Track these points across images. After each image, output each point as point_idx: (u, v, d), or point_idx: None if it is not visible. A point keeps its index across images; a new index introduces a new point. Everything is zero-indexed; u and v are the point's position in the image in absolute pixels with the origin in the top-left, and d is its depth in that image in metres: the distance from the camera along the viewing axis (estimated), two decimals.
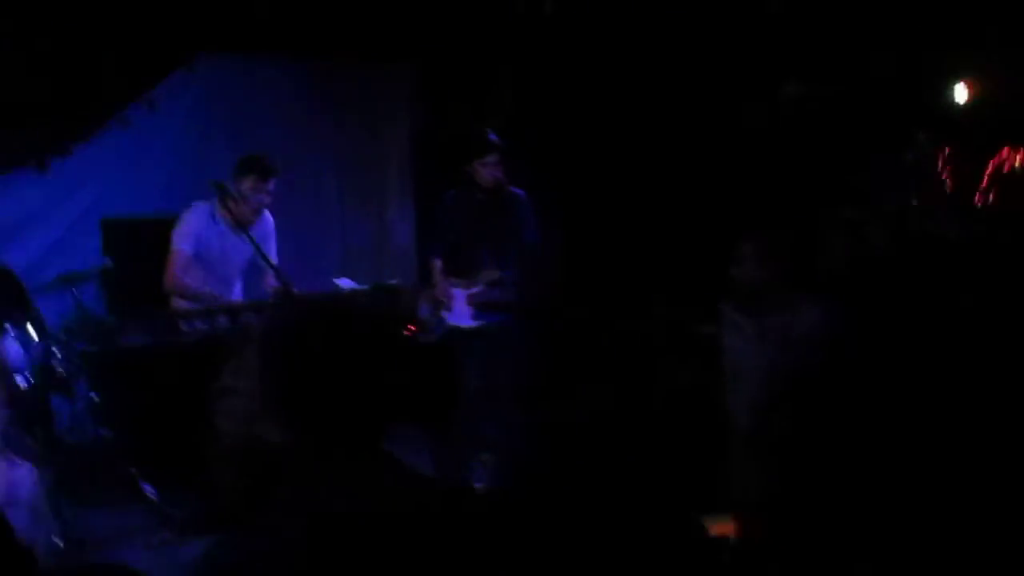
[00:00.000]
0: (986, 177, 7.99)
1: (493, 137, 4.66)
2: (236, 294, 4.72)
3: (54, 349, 4.34)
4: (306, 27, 6.22)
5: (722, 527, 2.90)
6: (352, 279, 5.43)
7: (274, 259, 4.68)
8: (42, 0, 5.40)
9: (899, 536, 2.65)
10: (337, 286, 4.38)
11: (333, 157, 6.86)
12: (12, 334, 4.26)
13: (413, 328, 5.73)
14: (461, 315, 4.62)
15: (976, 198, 7.86)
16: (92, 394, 4.82)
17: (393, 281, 4.58)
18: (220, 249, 4.50)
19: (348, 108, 6.75)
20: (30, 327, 4.28)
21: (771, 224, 3.89)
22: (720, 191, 5.37)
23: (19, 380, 4.26)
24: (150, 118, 5.97)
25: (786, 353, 3.23)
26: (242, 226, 4.26)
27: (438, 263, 4.80)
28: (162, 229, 5.89)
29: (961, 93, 7.72)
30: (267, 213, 4.87)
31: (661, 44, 5.68)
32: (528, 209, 4.65)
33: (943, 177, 8.14)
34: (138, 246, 5.49)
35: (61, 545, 3.86)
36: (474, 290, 4.57)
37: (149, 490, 4.20)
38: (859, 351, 3.06)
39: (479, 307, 4.56)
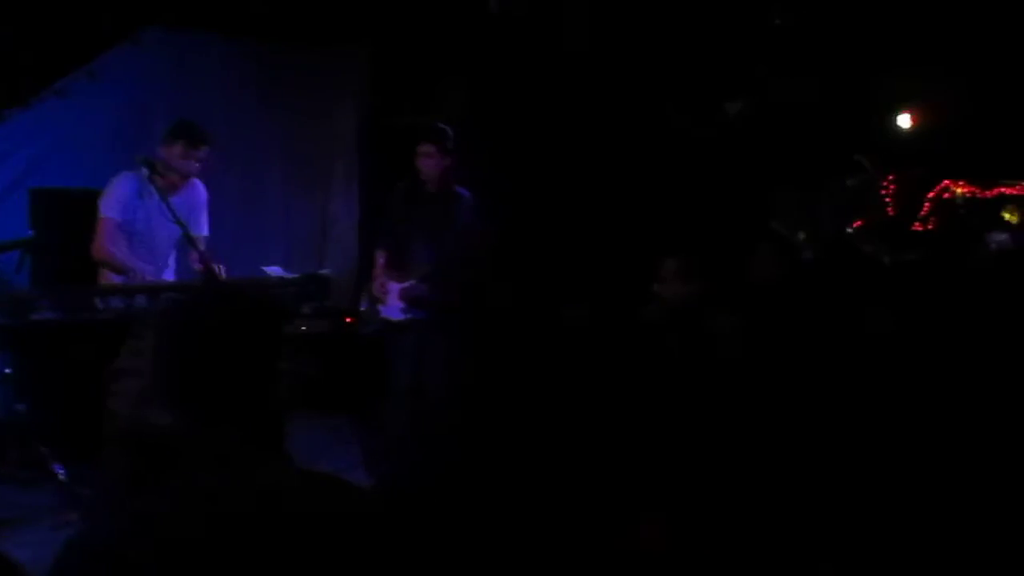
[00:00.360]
0: (926, 204, 8.19)
1: (437, 127, 4.64)
2: (168, 272, 4.61)
3: None
4: (257, 7, 6.15)
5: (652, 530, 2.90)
6: (292, 268, 5.37)
7: (205, 231, 4.63)
8: None
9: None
10: (265, 273, 4.31)
11: (279, 142, 6.76)
12: None
13: (350, 320, 5.67)
14: (393, 309, 4.58)
15: (915, 225, 8.04)
16: (6, 369, 4.69)
17: (325, 271, 4.52)
18: (146, 222, 4.37)
19: (296, 93, 6.67)
20: None
21: (698, 238, 3.96)
22: (658, 197, 5.41)
23: None
24: (90, 90, 5.83)
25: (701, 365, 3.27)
26: (168, 193, 4.17)
27: (380, 256, 4.76)
28: (93, 202, 5.79)
29: (905, 121, 7.90)
30: (199, 183, 4.74)
31: (615, 46, 5.69)
32: (468, 208, 4.63)
33: (885, 202, 8.32)
34: (68, 219, 5.35)
35: None
36: (406, 284, 4.54)
37: (59, 469, 4.09)
38: (761, 363, 3.12)
39: (409, 301, 4.52)
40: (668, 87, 5.52)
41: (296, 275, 4.17)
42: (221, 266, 4.15)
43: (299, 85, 6.67)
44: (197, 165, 4.49)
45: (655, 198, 5.40)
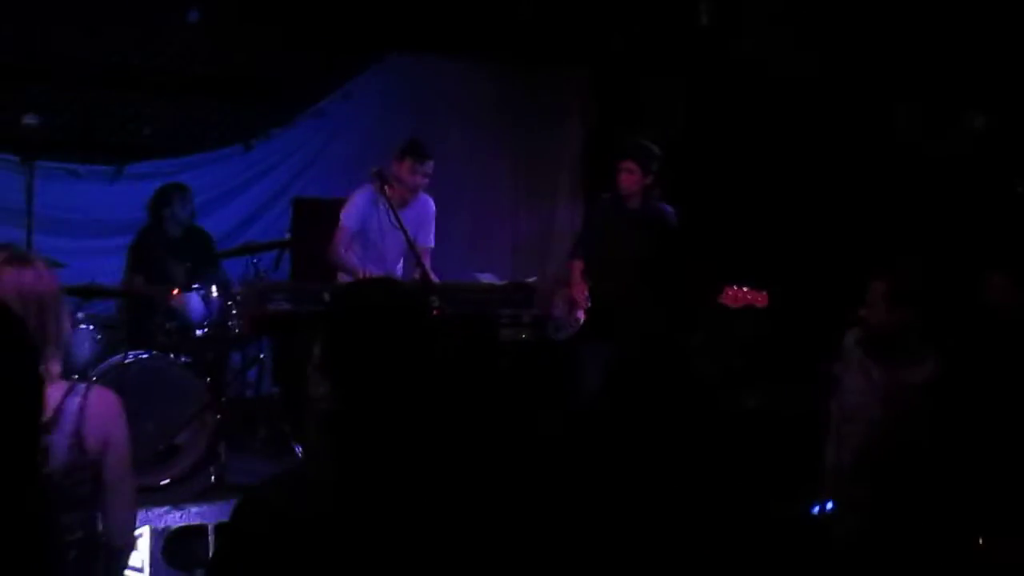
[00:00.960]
0: None
1: (640, 144, 4.79)
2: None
3: (233, 309, 4.85)
4: (490, 30, 6.56)
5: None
6: (518, 275, 5.67)
7: (431, 243, 4.97)
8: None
9: None
10: (477, 279, 4.63)
11: (509, 157, 7.16)
12: (200, 292, 4.83)
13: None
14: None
15: None
16: (262, 354, 5.34)
17: (530, 279, 4.78)
18: (379, 230, 4.78)
19: (526, 111, 7.02)
20: (214, 288, 4.83)
21: (906, 263, 3.76)
22: (879, 215, 5.20)
23: (198, 332, 4.82)
24: (343, 109, 6.51)
25: (901, 403, 3.14)
26: (399, 206, 4.57)
27: (577, 264, 4.95)
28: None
29: None
30: (427, 197, 5.09)
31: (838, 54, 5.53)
32: (668, 226, 4.75)
33: None
34: (322, 224, 6.01)
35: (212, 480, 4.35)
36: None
37: (297, 448, 4.63)
38: (968, 407, 2.93)
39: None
40: (898, 94, 5.27)
41: (504, 282, 4.46)
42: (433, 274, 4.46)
43: (529, 104, 7.03)
44: (424, 180, 4.85)
45: (875, 216, 5.20)
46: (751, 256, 5.44)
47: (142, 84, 6.00)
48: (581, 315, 4.81)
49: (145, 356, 4.59)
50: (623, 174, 4.76)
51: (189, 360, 4.69)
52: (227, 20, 6.04)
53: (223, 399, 4.66)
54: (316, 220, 6.12)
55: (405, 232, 4.39)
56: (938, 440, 2.97)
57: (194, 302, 4.74)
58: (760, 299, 4.52)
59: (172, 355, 4.64)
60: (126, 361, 4.53)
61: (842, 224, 5.39)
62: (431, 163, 4.88)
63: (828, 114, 5.57)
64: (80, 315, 4.83)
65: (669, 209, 4.87)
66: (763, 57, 5.53)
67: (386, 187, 4.60)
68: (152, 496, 3.93)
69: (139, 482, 4.10)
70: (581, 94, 7.05)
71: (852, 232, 5.28)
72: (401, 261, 5.07)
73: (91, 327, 4.81)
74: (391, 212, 4.48)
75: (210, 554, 3.64)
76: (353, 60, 6.53)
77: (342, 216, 4.89)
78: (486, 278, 4.58)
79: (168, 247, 5.34)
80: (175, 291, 4.72)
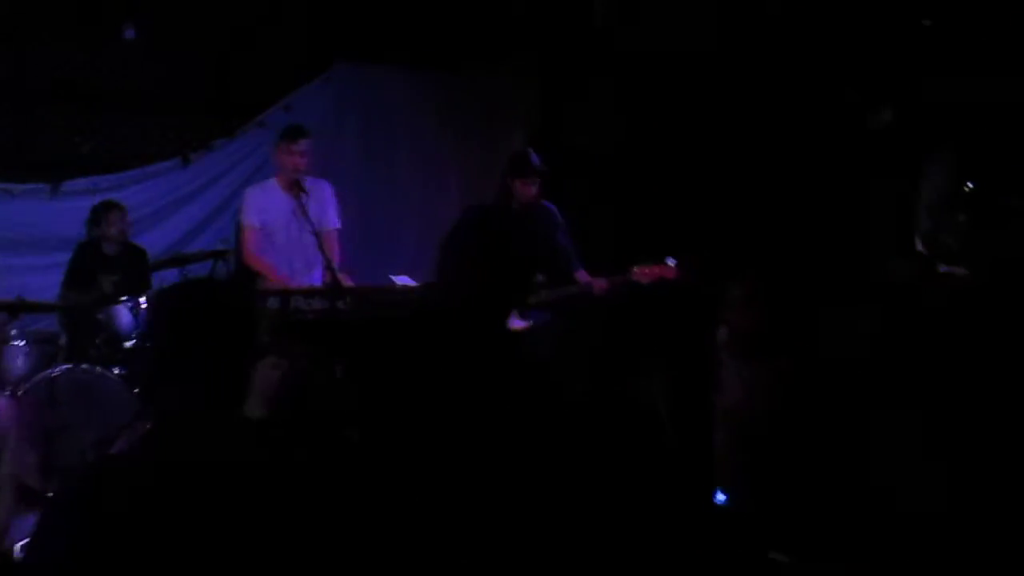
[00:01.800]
0: None
1: (535, 159, 4.88)
2: (317, 272, 4.86)
3: None
4: (432, 39, 6.60)
5: None
6: None
7: (334, 224, 4.97)
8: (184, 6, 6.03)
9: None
10: (392, 281, 4.64)
11: (457, 163, 7.16)
12: (128, 304, 4.84)
13: None
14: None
15: None
16: None
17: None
18: (281, 225, 4.74)
19: (471, 119, 7.03)
20: (142, 300, 4.84)
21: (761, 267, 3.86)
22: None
23: (127, 344, 4.82)
24: (285, 120, 6.51)
25: (764, 398, 3.21)
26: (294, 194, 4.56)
27: None
28: None
29: None
30: (323, 182, 5.11)
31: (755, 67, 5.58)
32: (556, 221, 4.87)
33: None
34: None
35: None
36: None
37: None
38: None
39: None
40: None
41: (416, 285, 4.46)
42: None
43: (474, 111, 7.03)
44: (301, 160, 4.80)
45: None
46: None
47: (80, 100, 6.02)
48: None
49: (75, 368, 4.60)
50: (527, 187, 4.86)
51: (123, 372, 4.70)
52: (166, 34, 6.08)
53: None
54: None
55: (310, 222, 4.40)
56: (791, 433, 3.04)
57: (123, 315, 4.75)
58: (669, 272, 4.59)
59: (103, 367, 4.65)
60: (54, 374, 4.54)
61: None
62: (304, 141, 4.84)
63: (726, 90, 5.61)
64: (13, 331, 4.85)
65: (552, 206, 5.01)
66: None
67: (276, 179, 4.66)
68: None
69: None
70: (527, 100, 7.07)
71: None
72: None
73: (23, 343, 4.82)
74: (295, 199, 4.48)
75: None
76: (297, 71, 6.55)
77: (241, 218, 4.89)
78: (401, 280, 4.58)
79: (102, 264, 5.35)
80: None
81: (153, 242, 5.83)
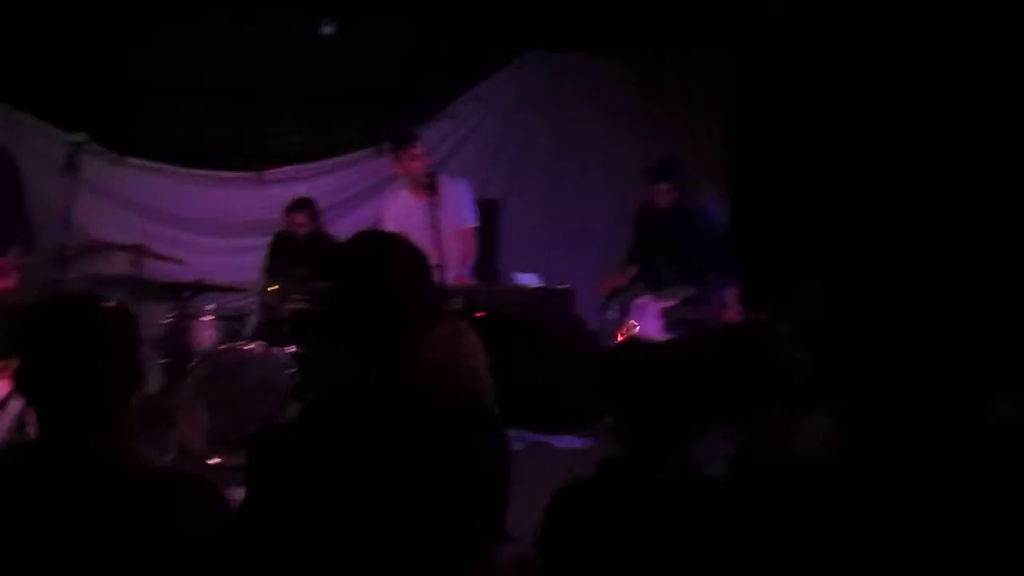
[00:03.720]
0: None
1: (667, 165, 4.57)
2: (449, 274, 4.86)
3: None
4: (624, 21, 6.39)
5: None
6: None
7: (470, 222, 5.03)
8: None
9: None
10: (515, 281, 4.54)
11: (654, 148, 6.87)
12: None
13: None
14: (651, 326, 4.50)
15: None
16: None
17: (564, 285, 4.62)
18: (417, 226, 4.64)
19: (666, 100, 6.72)
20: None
21: None
22: None
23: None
24: (476, 110, 6.62)
25: None
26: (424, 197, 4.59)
27: (631, 270, 4.74)
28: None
29: None
30: (457, 181, 5.12)
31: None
32: (705, 220, 4.49)
33: None
34: None
35: None
36: (668, 304, 4.44)
37: None
38: None
39: (672, 321, 4.40)
40: None
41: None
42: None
43: (669, 93, 6.72)
44: (418, 163, 4.84)
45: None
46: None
47: (287, 96, 6.48)
48: (642, 325, 4.57)
49: (244, 347, 4.94)
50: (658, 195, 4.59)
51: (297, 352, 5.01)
52: (361, 30, 6.39)
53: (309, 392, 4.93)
54: None
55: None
56: None
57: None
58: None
59: (278, 348, 4.97)
60: (220, 348, 4.89)
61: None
62: (419, 144, 4.92)
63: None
64: (210, 307, 5.31)
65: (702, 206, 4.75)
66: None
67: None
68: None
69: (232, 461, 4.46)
70: (725, 81, 6.66)
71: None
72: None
73: (212, 318, 5.26)
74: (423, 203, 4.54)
75: None
76: (486, 61, 6.62)
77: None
78: (525, 279, 4.48)
79: (294, 255, 5.73)
80: (271, 288, 5.04)
81: (347, 228, 6.14)
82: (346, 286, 2.03)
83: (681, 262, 4.50)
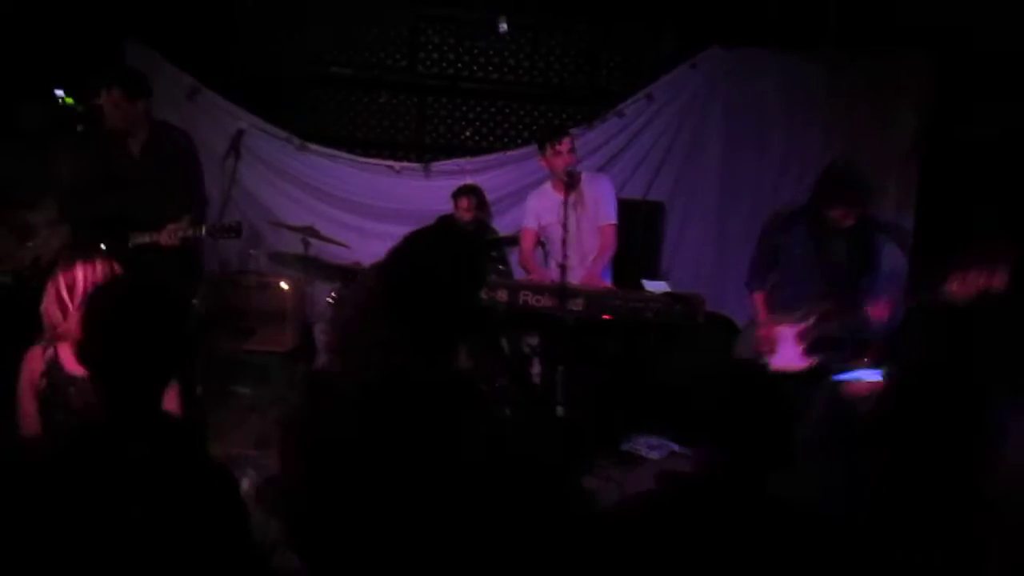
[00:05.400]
0: None
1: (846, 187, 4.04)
2: (580, 268, 4.86)
3: None
4: (809, 18, 6.05)
5: None
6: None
7: (610, 219, 4.96)
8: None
9: None
10: (643, 287, 4.36)
11: (835, 150, 6.47)
12: None
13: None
14: (790, 356, 4.02)
15: None
16: None
17: (693, 292, 4.35)
18: (559, 220, 4.64)
19: (851, 103, 6.30)
20: None
21: None
22: None
23: None
24: (645, 111, 6.48)
25: None
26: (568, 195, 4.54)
27: (759, 296, 4.27)
28: (639, 212, 6.46)
29: None
30: (602, 177, 5.04)
31: None
32: (881, 239, 3.98)
33: None
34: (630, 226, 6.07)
35: None
36: (803, 325, 4.02)
37: None
38: None
39: (811, 345, 3.98)
40: None
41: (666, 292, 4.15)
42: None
43: (855, 93, 6.30)
44: (565, 159, 4.75)
45: None
46: None
47: (464, 92, 6.65)
48: (778, 358, 4.06)
49: None
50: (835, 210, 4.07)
51: None
52: (535, 28, 6.44)
53: None
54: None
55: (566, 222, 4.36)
56: None
57: None
58: (997, 280, 3.41)
59: None
60: None
61: None
62: (566, 139, 4.78)
63: None
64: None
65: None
66: None
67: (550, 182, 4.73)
68: None
69: None
70: (918, 85, 6.15)
71: None
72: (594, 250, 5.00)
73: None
74: (565, 199, 4.49)
75: None
76: (664, 59, 6.48)
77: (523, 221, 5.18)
78: (654, 286, 4.31)
79: None
80: None
81: (508, 223, 6.24)
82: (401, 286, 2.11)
83: (854, 287, 4.02)
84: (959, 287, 3.43)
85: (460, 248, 2.17)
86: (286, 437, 2.23)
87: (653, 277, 6.12)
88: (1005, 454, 2.28)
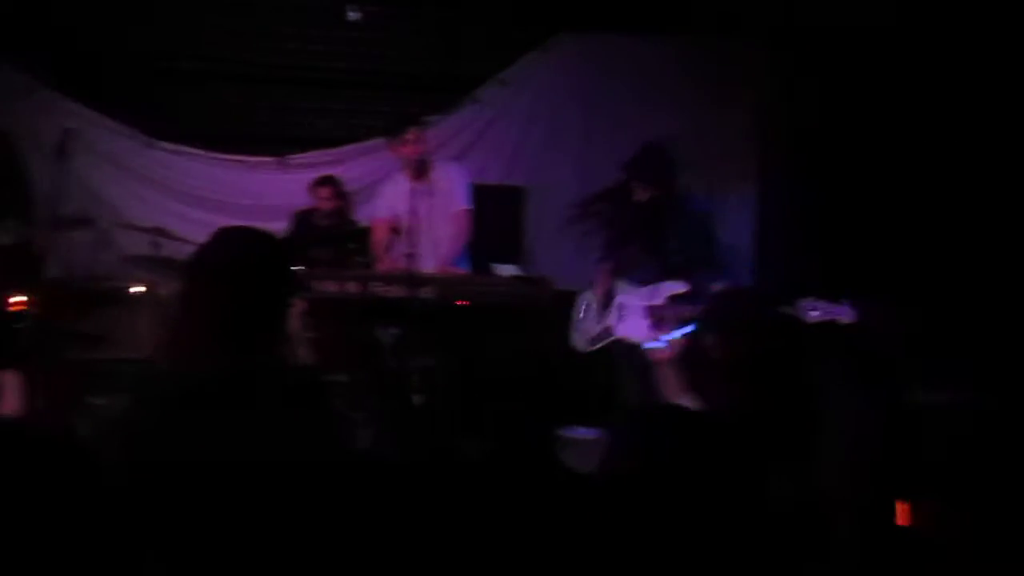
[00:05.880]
0: None
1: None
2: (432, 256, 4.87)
3: None
4: (654, 5, 6.20)
5: None
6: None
7: (463, 204, 4.98)
8: None
9: None
10: (495, 270, 4.44)
11: (688, 135, 6.65)
12: None
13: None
14: (635, 327, 4.36)
15: None
16: None
17: (536, 275, 4.52)
18: (411, 210, 4.65)
19: (698, 82, 6.50)
20: None
21: None
22: None
23: None
24: (502, 95, 6.52)
25: None
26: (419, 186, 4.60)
27: (609, 266, 4.59)
28: (500, 197, 6.51)
29: None
30: (452, 164, 5.09)
31: None
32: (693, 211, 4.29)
33: None
34: (476, 210, 6.10)
35: None
36: (656, 302, 4.24)
37: None
38: None
39: (659, 320, 4.19)
40: None
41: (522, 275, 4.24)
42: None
43: (701, 76, 6.47)
44: (412, 149, 4.80)
45: None
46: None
47: (316, 83, 6.52)
48: (623, 327, 4.42)
49: None
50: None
51: None
52: (386, 15, 6.38)
53: None
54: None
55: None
56: None
57: None
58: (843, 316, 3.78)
59: None
60: None
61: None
62: (412, 128, 4.83)
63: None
64: None
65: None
66: None
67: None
68: None
69: None
70: (757, 69, 6.39)
71: None
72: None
73: None
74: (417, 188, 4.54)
75: None
76: (514, 45, 6.53)
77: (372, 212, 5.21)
78: (504, 269, 4.39)
79: (314, 235, 5.80)
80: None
81: (369, 214, 6.17)
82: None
83: (662, 256, 4.32)
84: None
85: (261, 244, 2.15)
86: (115, 437, 2.17)
87: (516, 262, 6.21)
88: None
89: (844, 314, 3.48)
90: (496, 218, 6.55)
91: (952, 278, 4.87)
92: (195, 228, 5.92)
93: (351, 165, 6.35)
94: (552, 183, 6.68)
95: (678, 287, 4.26)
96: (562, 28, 6.46)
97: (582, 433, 5.31)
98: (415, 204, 4.43)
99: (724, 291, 3.50)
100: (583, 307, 4.67)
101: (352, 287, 4.14)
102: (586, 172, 6.67)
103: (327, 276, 4.36)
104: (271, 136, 6.53)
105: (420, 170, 4.62)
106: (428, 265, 4.70)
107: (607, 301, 4.54)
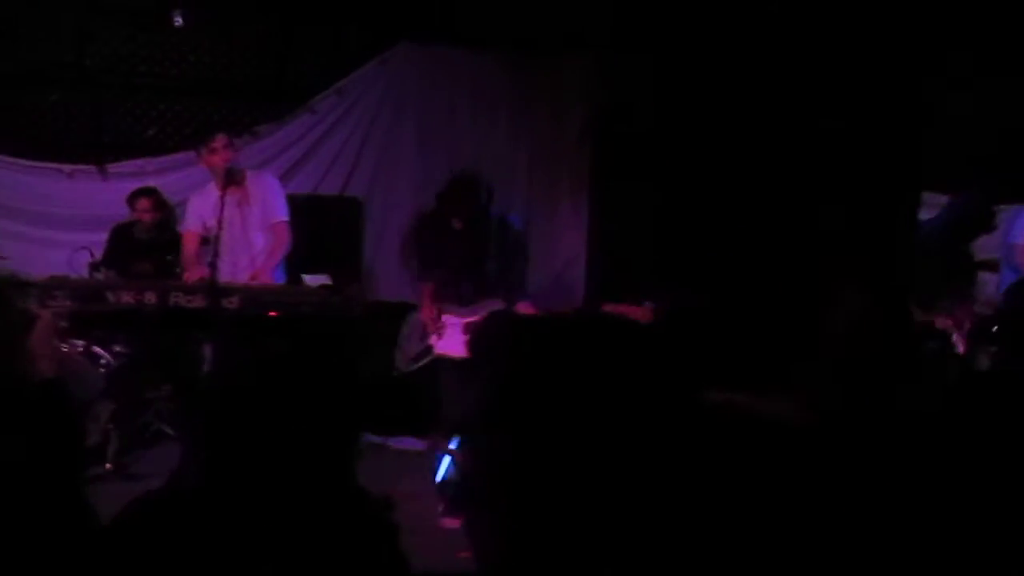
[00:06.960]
0: None
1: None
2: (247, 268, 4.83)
3: None
4: (491, 19, 6.25)
5: None
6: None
7: (281, 216, 4.89)
8: None
9: None
10: (303, 281, 4.41)
11: (522, 146, 6.74)
12: None
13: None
14: (453, 343, 4.42)
15: None
16: None
17: (348, 285, 4.54)
18: (227, 222, 4.54)
19: (529, 99, 6.65)
20: None
21: None
22: None
23: None
24: (337, 106, 6.44)
25: None
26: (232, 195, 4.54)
27: (429, 287, 4.67)
28: (342, 206, 6.44)
29: None
30: (265, 174, 5.05)
31: None
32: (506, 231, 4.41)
33: None
34: (314, 221, 5.98)
35: None
36: (472, 319, 4.32)
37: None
38: None
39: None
40: None
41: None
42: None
43: (532, 95, 6.65)
44: (219, 156, 4.72)
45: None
46: None
47: (144, 88, 6.28)
48: (443, 344, 4.49)
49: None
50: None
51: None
52: (221, 20, 6.21)
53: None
54: (308, 216, 6.10)
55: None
56: None
57: None
58: (643, 315, 3.99)
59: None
60: None
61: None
62: (220, 137, 4.76)
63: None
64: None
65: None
66: None
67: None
68: None
69: None
70: (585, 83, 6.54)
71: None
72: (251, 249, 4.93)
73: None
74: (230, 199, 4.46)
75: None
76: (354, 55, 6.47)
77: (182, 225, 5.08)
78: (312, 279, 4.34)
79: (134, 248, 5.56)
80: None
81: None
82: None
83: (480, 276, 4.41)
84: None
85: None
86: None
87: (356, 275, 6.12)
88: None
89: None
90: (334, 230, 6.49)
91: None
92: (14, 242, 5.59)
93: (178, 175, 6.12)
94: (389, 195, 6.66)
95: (495, 304, 4.35)
96: (401, 39, 6.44)
97: (409, 444, 5.31)
98: (225, 215, 4.30)
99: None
100: (409, 327, 4.65)
101: (150, 297, 3.98)
102: (423, 184, 6.67)
103: (124, 287, 4.18)
104: (93, 143, 6.23)
105: (230, 180, 4.50)
106: (243, 277, 4.56)
107: (436, 320, 4.54)
